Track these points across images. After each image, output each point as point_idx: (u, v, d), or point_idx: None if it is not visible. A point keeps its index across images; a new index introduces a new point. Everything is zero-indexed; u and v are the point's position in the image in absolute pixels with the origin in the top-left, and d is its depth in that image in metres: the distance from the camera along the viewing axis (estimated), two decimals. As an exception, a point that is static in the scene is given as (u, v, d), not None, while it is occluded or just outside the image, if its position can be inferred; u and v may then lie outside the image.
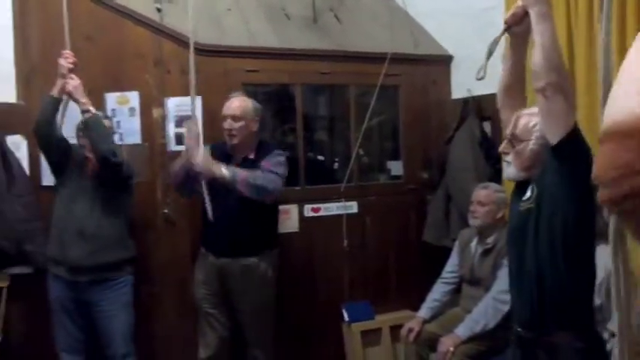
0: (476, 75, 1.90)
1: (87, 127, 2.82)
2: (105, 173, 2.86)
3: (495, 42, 1.91)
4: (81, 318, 2.96)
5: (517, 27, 1.88)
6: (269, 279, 3.03)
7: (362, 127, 3.65)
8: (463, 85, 3.69)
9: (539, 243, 1.82)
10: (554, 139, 1.75)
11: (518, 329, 1.94)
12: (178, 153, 3.32)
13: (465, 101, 3.63)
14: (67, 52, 2.84)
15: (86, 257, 2.83)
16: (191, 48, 2.84)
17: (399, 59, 3.73)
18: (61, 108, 2.89)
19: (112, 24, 3.33)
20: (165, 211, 3.35)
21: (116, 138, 3.32)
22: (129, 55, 3.35)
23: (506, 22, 1.91)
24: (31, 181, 3.28)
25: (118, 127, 3.32)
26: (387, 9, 3.96)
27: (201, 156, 2.79)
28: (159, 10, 3.36)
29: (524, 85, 2.04)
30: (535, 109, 1.87)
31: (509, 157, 1.97)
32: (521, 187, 1.98)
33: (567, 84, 1.75)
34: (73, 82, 2.80)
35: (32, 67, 3.26)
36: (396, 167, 3.94)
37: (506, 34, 1.93)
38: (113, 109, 3.34)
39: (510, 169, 1.99)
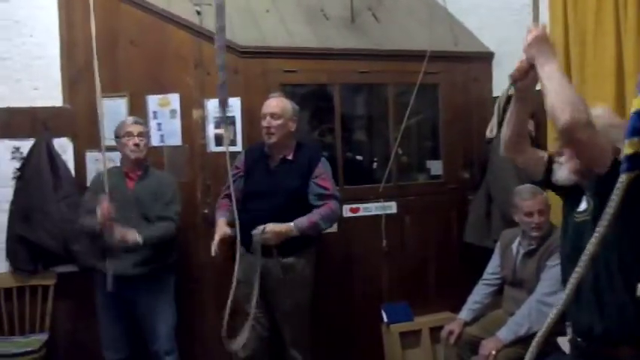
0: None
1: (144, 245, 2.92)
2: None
3: (503, 97, 1.88)
4: (125, 315, 3.03)
5: (522, 81, 1.86)
6: (307, 279, 3.03)
7: (401, 126, 3.61)
8: (505, 82, 3.58)
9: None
10: (600, 171, 1.71)
11: (578, 339, 1.90)
12: (218, 154, 3.37)
13: (508, 98, 3.54)
14: (105, 206, 2.83)
15: (131, 268, 2.92)
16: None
17: (439, 57, 3.66)
18: None
19: (154, 28, 3.40)
20: (205, 211, 3.39)
21: (157, 139, 3.40)
22: (170, 58, 3.41)
23: (512, 77, 1.88)
24: (76, 182, 3.39)
25: (159, 129, 3.39)
26: (426, 6, 3.92)
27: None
28: (198, 12, 3.41)
29: (528, 137, 2.05)
30: (598, 111, 1.82)
31: (562, 159, 1.91)
32: (570, 194, 1.92)
33: (588, 117, 1.67)
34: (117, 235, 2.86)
35: (77, 71, 3.36)
36: (435, 167, 3.88)
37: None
38: (154, 112, 3.41)
39: (561, 172, 1.92)
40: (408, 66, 3.63)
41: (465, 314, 3.08)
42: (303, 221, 2.88)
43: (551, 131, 3.10)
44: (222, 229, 2.94)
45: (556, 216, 2.88)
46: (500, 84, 3.77)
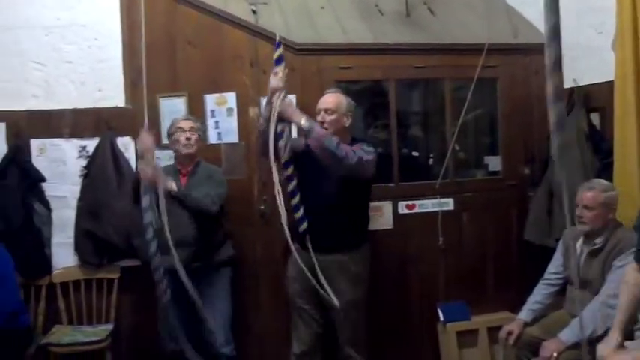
0: None
1: (180, 203, 2.97)
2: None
3: None
4: (184, 307, 3.11)
5: None
6: (361, 275, 3.02)
7: (458, 121, 3.55)
8: (568, 74, 3.46)
9: None
10: None
11: None
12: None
13: (571, 92, 3.42)
14: (145, 133, 2.88)
15: (188, 262, 2.97)
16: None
17: (497, 50, 3.58)
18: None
19: (211, 28, 3.47)
20: (262, 207, 3.44)
21: (215, 137, 3.47)
22: (227, 58, 3.47)
23: None
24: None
25: (216, 127, 3.46)
26: (484, -2, 3.82)
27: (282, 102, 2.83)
28: (254, 11, 3.46)
29: None
30: None
31: None
32: None
33: None
34: (149, 171, 2.82)
35: (138, 72, 3.46)
36: (494, 163, 3.79)
37: None
38: (212, 110, 3.48)
39: None
40: (465, 60, 3.56)
41: (524, 314, 3.00)
42: (318, 126, 2.83)
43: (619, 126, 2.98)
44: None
45: (626, 214, 2.77)
46: (564, 76, 3.63)
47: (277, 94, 2.84)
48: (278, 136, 2.87)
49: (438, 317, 3.48)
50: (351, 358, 3.04)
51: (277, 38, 2.95)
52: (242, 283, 3.38)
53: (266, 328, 3.46)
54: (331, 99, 3.00)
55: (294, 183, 2.95)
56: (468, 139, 3.96)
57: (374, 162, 2.93)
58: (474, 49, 3.51)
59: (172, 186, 2.94)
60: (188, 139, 3.12)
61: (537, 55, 3.72)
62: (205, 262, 3.08)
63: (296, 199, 2.96)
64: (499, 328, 3.05)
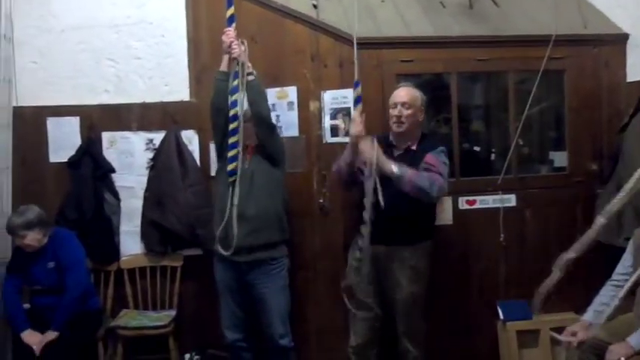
0: None
1: (248, 87, 3.00)
2: (262, 134, 3.08)
3: None
4: (243, 298, 3.18)
5: None
6: (423, 270, 3.01)
7: (522, 115, 3.46)
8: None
9: None
10: None
11: None
12: (333, 144, 3.44)
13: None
14: (228, 29, 2.97)
15: (245, 237, 3.01)
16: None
17: (565, 41, 3.46)
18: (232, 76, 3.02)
19: (273, 24, 3.52)
20: (321, 200, 3.47)
21: (276, 131, 3.52)
22: (288, 52, 3.52)
23: None
24: (201, 171, 3.62)
25: (277, 121, 3.51)
26: (551, -13, 3.69)
27: (370, 147, 2.81)
28: (315, 6, 3.48)
29: None
30: None
31: None
32: None
33: None
34: (238, 50, 2.95)
35: (203, 67, 3.57)
36: (559, 158, 3.67)
37: None
38: (273, 104, 3.52)
39: None
40: (531, 52, 3.47)
41: (590, 316, 2.89)
42: (407, 169, 2.80)
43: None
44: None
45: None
46: (636, 68, 3.49)
47: (369, 141, 2.83)
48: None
49: (498, 315, 3.42)
50: (408, 351, 3.04)
51: (355, 77, 2.98)
52: (300, 275, 3.43)
53: (324, 320, 3.49)
54: (407, 92, 2.98)
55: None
56: (532, 133, 3.85)
57: (446, 181, 2.93)
58: (540, 41, 3.41)
59: (250, 67, 3.02)
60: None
61: (608, 45, 3.58)
62: (262, 239, 3.07)
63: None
64: (562, 329, 2.96)
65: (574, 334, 2.84)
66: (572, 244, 3.50)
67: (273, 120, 3.38)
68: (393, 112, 2.97)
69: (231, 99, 2.96)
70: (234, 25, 2.96)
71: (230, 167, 2.99)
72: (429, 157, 2.90)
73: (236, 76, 2.94)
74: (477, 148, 3.93)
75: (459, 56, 3.49)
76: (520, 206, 3.52)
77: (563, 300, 3.47)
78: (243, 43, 2.98)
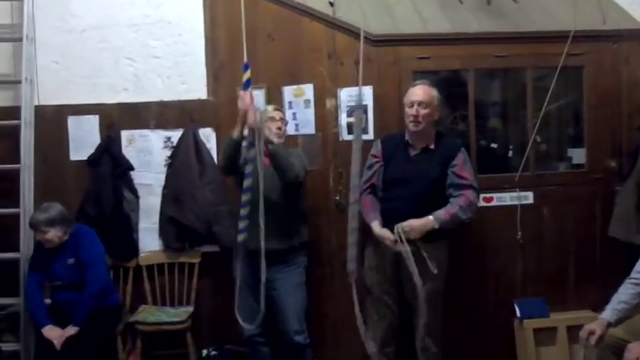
0: None
1: (273, 157, 2.95)
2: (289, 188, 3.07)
3: None
4: (260, 293, 3.20)
5: None
6: (441, 267, 3.00)
7: (539, 112, 3.43)
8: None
9: None
10: None
11: None
12: (350, 142, 3.42)
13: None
14: (244, 93, 2.73)
15: (265, 242, 3.04)
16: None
17: (584, 36, 3.43)
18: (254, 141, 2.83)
19: (290, 22, 3.54)
20: (337, 198, 3.48)
21: (292, 128, 3.53)
22: (305, 50, 3.53)
23: None
24: (218, 169, 3.64)
25: (294, 119, 3.52)
26: (570, -18, 3.65)
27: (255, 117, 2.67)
28: (331, 4, 3.49)
29: None
30: None
31: None
32: None
33: None
34: (253, 118, 2.69)
35: (220, 66, 3.60)
36: (578, 155, 3.64)
37: None
38: (290, 102, 3.55)
39: None
40: (549, 48, 3.44)
41: (608, 314, 2.86)
42: (442, 214, 2.88)
43: None
44: (385, 233, 2.95)
45: None
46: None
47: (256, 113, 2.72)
48: None
49: (515, 313, 3.40)
50: (426, 349, 3.04)
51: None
52: (317, 272, 3.45)
53: (341, 317, 3.51)
54: (424, 91, 2.97)
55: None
56: (550, 130, 3.81)
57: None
58: (559, 37, 3.38)
59: (272, 137, 2.98)
60: (279, 128, 3.17)
61: (628, 41, 3.54)
62: (284, 241, 3.09)
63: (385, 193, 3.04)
64: (580, 327, 2.93)
65: (592, 332, 2.82)
66: (591, 242, 3.50)
67: (289, 118, 3.41)
68: (410, 111, 2.96)
69: (246, 170, 2.68)
70: (250, 89, 2.70)
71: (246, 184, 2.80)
72: (461, 168, 2.97)
73: (250, 146, 2.66)
74: (494, 145, 3.90)
75: (477, 53, 3.47)
76: (538, 204, 3.50)
77: (580, 298, 3.45)
78: (258, 109, 2.81)
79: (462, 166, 2.97)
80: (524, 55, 3.50)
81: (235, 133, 2.92)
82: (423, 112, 2.93)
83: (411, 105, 2.96)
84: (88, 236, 3.33)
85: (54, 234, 3.19)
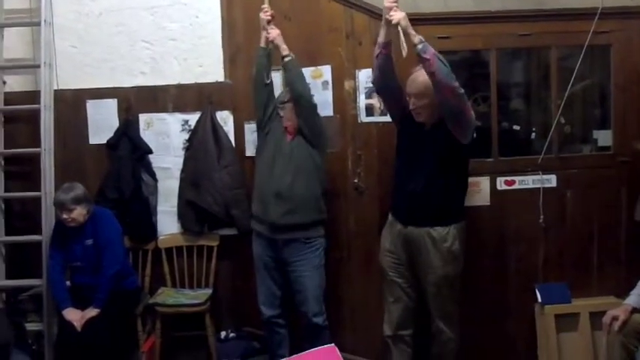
0: None
1: (286, 69, 3.13)
2: (302, 115, 3.09)
3: None
4: (279, 275, 3.23)
5: None
6: (456, 251, 2.95)
7: (564, 93, 3.33)
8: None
9: None
10: None
11: None
12: (368, 124, 3.39)
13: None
14: (266, 6, 3.16)
15: (282, 216, 3.06)
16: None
17: (612, 13, 3.29)
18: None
19: (307, 1, 3.49)
20: (356, 180, 3.45)
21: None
22: (323, 31, 3.47)
23: None
24: (236, 152, 3.64)
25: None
26: (598, -44, 3.51)
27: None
28: (349, -18, 3.41)
29: None
30: None
31: None
32: None
33: None
34: (273, 32, 3.15)
35: (237, 48, 3.57)
36: (603, 137, 3.52)
37: None
38: (308, 83, 3.50)
39: None
40: (575, 26, 3.32)
41: (633, 300, 2.81)
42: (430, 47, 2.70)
43: None
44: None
45: None
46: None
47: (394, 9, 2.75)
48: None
49: (536, 299, 3.35)
50: (442, 332, 3.02)
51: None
52: (335, 255, 3.43)
53: (358, 300, 3.50)
54: (421, 79, 2.83)
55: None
56: (575, 111, 3.70)
57: (474, 117, 2.83)
58: (585, 14, 3.26)
59: (286, 49, 3.15)
60: None
61: (658, 18, 3.40)
62: (299, 219, 3.09)
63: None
64: (603, 313, 2.89)
65: (616, 317, 2.76)
66: (616, 226, 3.41)
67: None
68: (409, 103, 2.90)
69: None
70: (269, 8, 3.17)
71: None
72: None
73: (268, 56, 3.11)
74: (516, 127, 3.81)
75: (499, 31, 3.37)
76: (561, 187, 3.41)
77: (604, 284, 3.38)
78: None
79: None
80: (548, 34, 3.38)
81: (262, 43, 3.21)
82: (420, 103, 2.84)
83: (409, 97, 2.89)
84: (106, 218, 3.37)
85: (79, 212, 3.23)
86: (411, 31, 2.72)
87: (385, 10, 2.79)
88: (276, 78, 3.50)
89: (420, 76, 2.86)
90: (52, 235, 3.41)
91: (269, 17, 3.17)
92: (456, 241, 2.95)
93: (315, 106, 3.19)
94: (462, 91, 2.73)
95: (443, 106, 2.75)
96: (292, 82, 3.12)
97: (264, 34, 3.17)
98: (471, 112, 2.81)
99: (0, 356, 2.80)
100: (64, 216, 3.22)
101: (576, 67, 3.29)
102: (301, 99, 3.09)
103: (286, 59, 3.12)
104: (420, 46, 2.68)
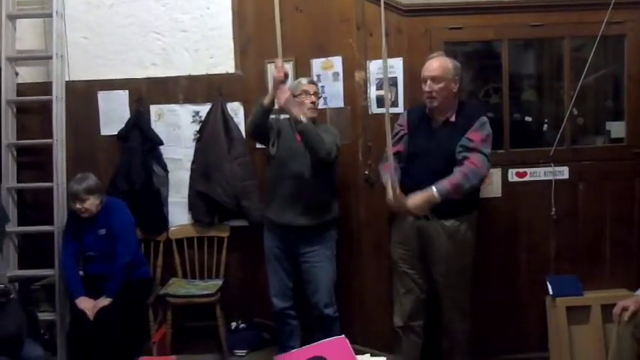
0: None
1: (302, 135, 2.94)
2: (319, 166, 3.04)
3: None
4: (290, 266, 3.23)
5: None
6: (468, 242, 2.96)
7: (577, 84, 3.30)
8: None
9: None
10: None
11: None
12: (379, 115, 3.38)
13: None
14: (280, 65, 2.89)
15: (296, 218, 3.07)
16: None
17: (626, 4, 3.26)
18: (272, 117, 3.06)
19: (318, -7, 3.46)
20: (366, 172, 3.44)
21: (321, 102, 3.48)
22: (334, 21, 3.46)
23: None
24: (247, 143, 3.64)
25: (322, 92, 3.47)
26: (612, -55, 3.47)
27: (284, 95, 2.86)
28: (360, -27, 3.39)
29: None
30: None
31: None
32: None
33: None
34: (283, 98, 2.88)
35: (247, 40, 3.56)
36: (617, 129, 3.49)
37: None
38: (318, 75, 3.50)
39: None
40: (588, 16, 3.29)
41: (645, 292, 2.80)
42: (444, 185, 2.76)
43: None
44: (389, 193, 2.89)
45: None
46: None
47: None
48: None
49: (547, 291, 3.33)
50: (453, 324, 3.03)
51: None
52: (346, 246, 3.43)
53: (369, 291, 3.50)
54: (437, 65, 2.88)
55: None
56: (587, 103, 3.67)
57: (490, 156, 2.87)
58: (599, 4, 3.23)
59: (301, 116, 2.91)
60: (313, 102, 3.14)
61: (674, 9, 3.36)
62: (315, 217, 3.10)
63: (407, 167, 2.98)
64: (614, 306, 2.86)
65: (626, 308, 2.75)
66: (628, 219, 3.38)
67: (321, 93, 3.36)
68: (424, 87, 2.89)
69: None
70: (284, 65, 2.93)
71: None
72: (473, 134, 2.83)
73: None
74: (528, 119, 3.79)
75: (511, 22, 3.34)
76: (573, 179, 3.39)
77: (615, 276, 3.36)
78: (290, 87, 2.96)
79: (476, 130, 2.83)
80: (561, 24, 3.35)
81: (267, 101, 2.93)
82: (436, 87, 2.84)
83: (424, 81, 2.88)
84: (119, 208, 3.39)
85: (92, 202, 3.25)
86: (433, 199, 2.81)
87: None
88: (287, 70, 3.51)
89: (436, 61, 2.88)
90: (65, 226, 3.43)
91: (282, 77, 2.89)
92: (468, 232, 2.95)
93: (333, 162, 3.09)
94: (476, 182, 2.82)
95: None
96: (310, 148, 2.94)
97: (271, 92, 2.92)
98: (484, 166, 2.84)
99: (13, 346, 2.82)
100: (78, 206, 3.24)
101: (589, 58, 3.26)
102: (322, 162, 2.99)
103: (299, 127, 2.92)
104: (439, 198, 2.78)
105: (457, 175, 2.78)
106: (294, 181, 3.07)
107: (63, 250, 3.39)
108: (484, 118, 2.91)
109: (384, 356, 2.34)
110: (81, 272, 3.41)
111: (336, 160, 3.14)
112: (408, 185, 2.95)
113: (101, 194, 3.31)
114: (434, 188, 2.76)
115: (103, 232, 3.31)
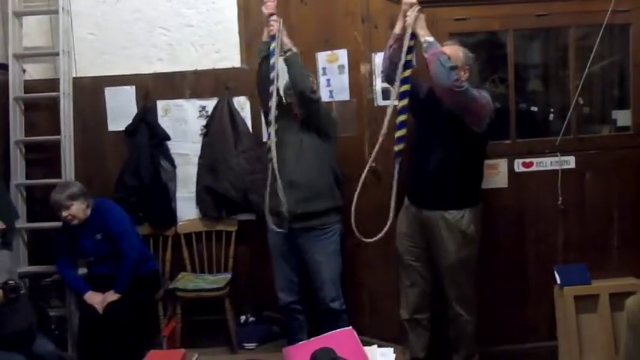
0: None
1: (287, 64, 3.01)
2: (305, 109, 3.04)
3: None
4: (295, 261, 3.23)
5: None
6: (471, 234, 2.95)
7: (582, 73, 3.30)
8: None
9: None
10: None
11: None
12: (385, 108, 3.37)
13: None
14: (268, 1, 3.01)
15: (295, 205, 3.05)
16: None
17: (632, -9, 3.26)
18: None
19: (325, -15, 3.46)
20: (373, 164, 3.44)
21: (326, 95, 3.50)
22: (339, 14, 3.46)
23: None
24: (253, 137, 3.66)
25: (328, 85, 3.48)
26: None
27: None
28: (365, -36, 3.39)
29: None
30: None
31: None
32: None
33: None
34: (275, 26, 2.98)
35: (253, 33, 3.57)
36: (623, 117, 3.49)
37: None
38: (324, 68, 3.51)
39: None
40: (594, 5, 3.28)
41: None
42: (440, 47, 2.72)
43: None
44: None
45: None
46: None
47: (413, 7, 2.74)
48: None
49: (555, 280, 3.34)
50: (459, 316, 3.03)
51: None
52: (351, 239, 3.43)
53: (375, 284, 3.51)
54: (448, 53, 2.89)
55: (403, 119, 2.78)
56: (593, 92, 3.67)
57: (488, 108, 2.79)
58: (605, -8, 3.23)
59: (293, 48, 3.04)
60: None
61: (679, -4, 3.35)
62: (313, 207, 3.10)
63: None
64: (622, 294, 2.88)
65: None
66: (635, 207, 3.38)
67: (323, 84, 3.37)
68: None
69: (270, 75, 2.90)
70: None
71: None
72: None
73: (273, 54, 2.91)
74: (534, 109, 3.79)
75: (517, 12, 3.33)
76: (580, 168, 3.39)
77: (623, 265, 3.36)
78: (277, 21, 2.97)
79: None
80: (566, 14, 3.34)
81: (264, 37, 3.04)
82: None
83: None
84: (112, 210, 3.36)
85: (78, 208, 3.22)
86: (421, 31, 2.72)
87: (403, 3, 2.76)
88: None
89: (447, 49, 2.86)
90: (58, 238, 3.40)
91: (271, 10, 3.01)
92: (471, 224, 2.94)
93: (318, 100, 3.11)
94: (465, 86, 2.68)
95: (446, 104, 2.76)
96: (292, 79, 3.02)
97: (265, 28, 3.04)
98: (482, 103, 2.77)
99: (24, 341, 2.85)
100: (64, 214, 3.20)
101: (595, 47, 3.25)
102: (303, 96, 3.01)
103: (287, 54, 3.01)
104: (424, 46, 2.70)
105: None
106: (290, 169, 3.04)
107: (57, 263, 3.37)
108: (487, 91, 2.90)
109: (392, 347, 2.36)
110: (85, 270, 3.41)
111: (333, 142, 3.18)
112: (412, 168, 2.98)
113: (86, 199, 3.26)
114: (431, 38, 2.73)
115: (99, 236, 3.29)
